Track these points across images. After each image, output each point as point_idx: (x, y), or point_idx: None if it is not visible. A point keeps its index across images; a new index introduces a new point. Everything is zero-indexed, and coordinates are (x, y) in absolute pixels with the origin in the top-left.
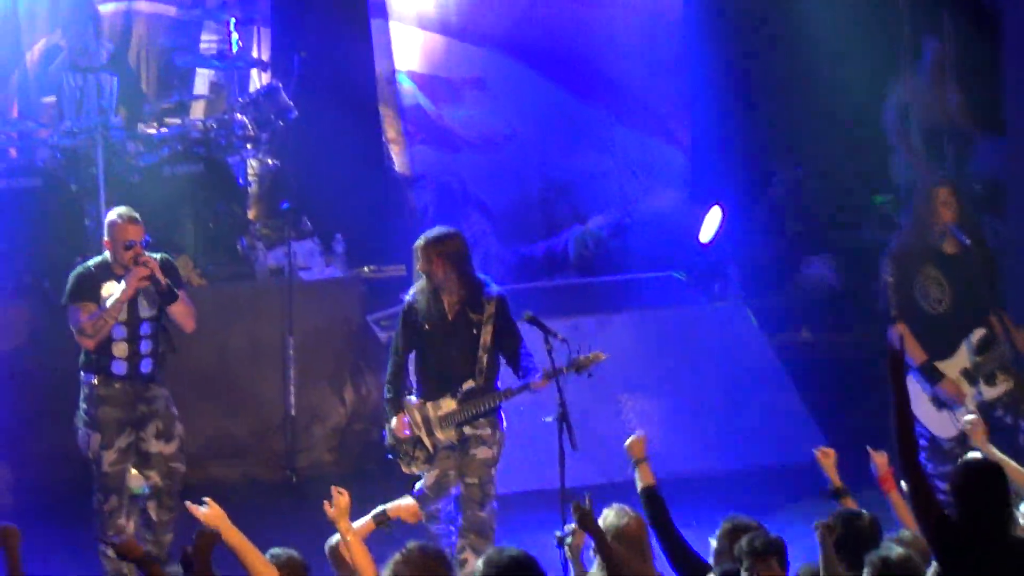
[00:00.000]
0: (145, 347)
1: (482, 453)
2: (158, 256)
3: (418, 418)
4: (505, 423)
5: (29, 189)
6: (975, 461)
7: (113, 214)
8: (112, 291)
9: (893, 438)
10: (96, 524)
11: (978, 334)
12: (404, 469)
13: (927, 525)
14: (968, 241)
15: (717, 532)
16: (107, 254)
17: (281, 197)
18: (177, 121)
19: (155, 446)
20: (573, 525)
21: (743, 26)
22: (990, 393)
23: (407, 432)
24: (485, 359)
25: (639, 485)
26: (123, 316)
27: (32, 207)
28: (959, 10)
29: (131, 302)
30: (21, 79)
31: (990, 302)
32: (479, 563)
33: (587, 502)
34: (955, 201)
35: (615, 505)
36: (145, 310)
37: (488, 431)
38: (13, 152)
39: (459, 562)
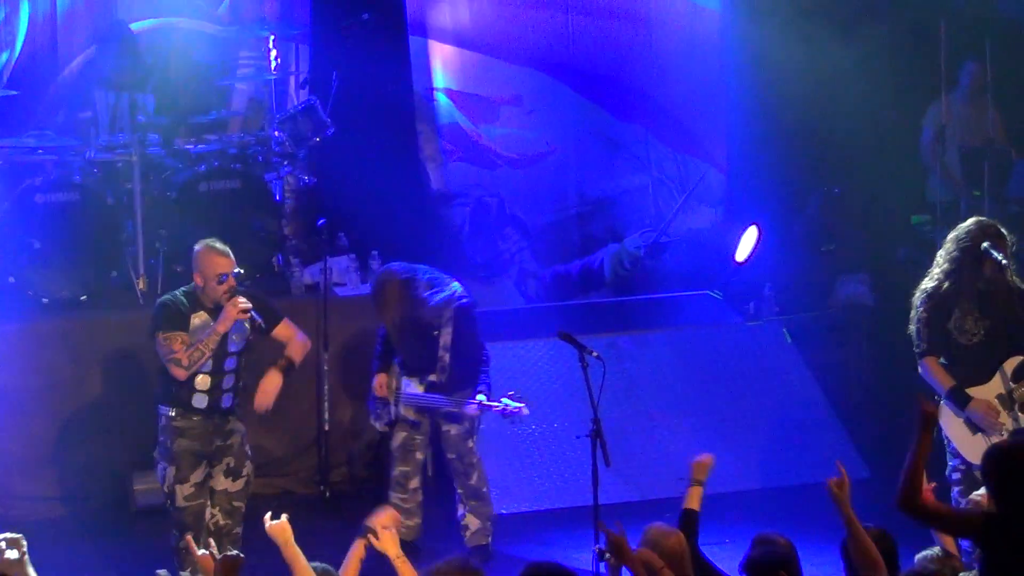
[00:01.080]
0: (228, 382)
1: (454, 429)
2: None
3: (392, 384)
4: (476, 403)
5: (67, 204)
6: (1002, 445)
7: (202, 245)
8: (200, 319)
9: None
10: (174, 563)
11: (1014, 362)
12: (372, 422)
13: (975, 533)
14: (1010, 272)
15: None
16: (193, 285)
17: (318, 214)
18: (214, 137)
19: (222, 483)
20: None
21: (780, 48)
22: None
23: (381, 392)
24: (447, 358)
25: (686, 504)
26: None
27: (69, 222)
28: (999, 34)
29: (221, 337)
30: (58, 94)
31: None
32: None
33: (619, 528)
34: (1001, 234)
35: (658, 523)
36: (233, 345)
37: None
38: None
39: (463, 527)
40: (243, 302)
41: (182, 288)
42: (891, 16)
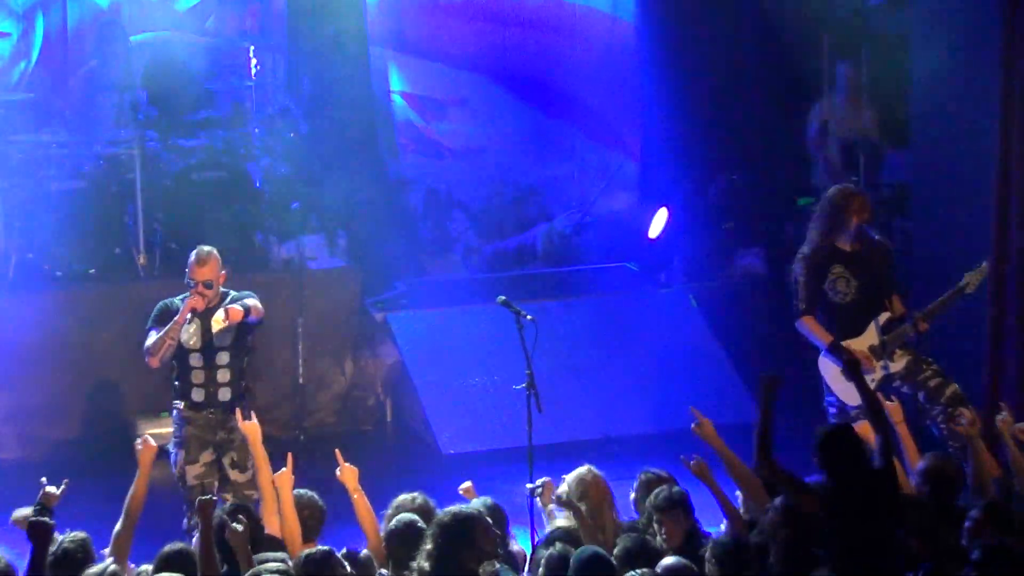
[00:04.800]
0: (223, 377)
1: None
2: (234, 294)
3: None
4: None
5: (76, 190)
6: (828, 429)
7: (192, 254)
8: (188, 322)
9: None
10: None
11: (884, 317)
12: None
13: (813, 501)
14: (876, 238)
15: (635, 484)
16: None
17: (292, 198)
18: (204, 133)
19: (232, 474)
20: (542, 479)
21: (687, 52)
22: (893, 367)
23: None
24: None
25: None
26: (197, 344)
27: (78, 206)
28: (873, 44)
29: (204, 332)
30: (70, 97)
31: (891, 290)
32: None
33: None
34: (868, 205)
35: (582, 467)
36: (219, 340)
37: None
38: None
39: None
40: (197, 299)
41: (185, 294)
42: (781, 27)
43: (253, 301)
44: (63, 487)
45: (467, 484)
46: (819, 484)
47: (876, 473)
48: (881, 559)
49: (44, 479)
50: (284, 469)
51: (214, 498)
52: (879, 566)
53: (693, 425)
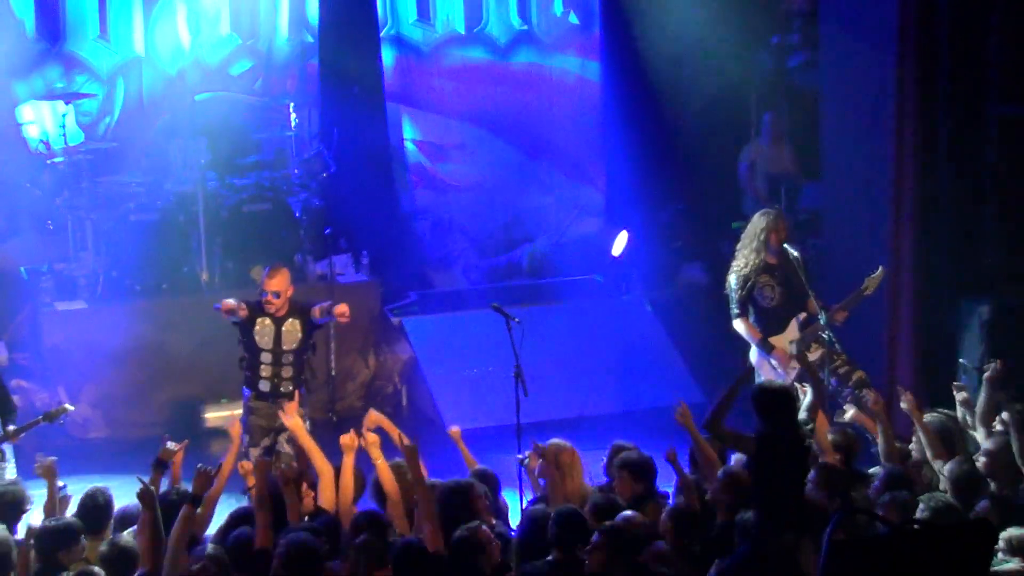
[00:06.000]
0: (286, 372)
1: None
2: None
3: None
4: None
5: (151, 221)
6: (763, 384)
7: (267, 268)
8: (262, 327)
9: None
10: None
11: (802, 316)
12: None
13: (751, 451)
14: (795, 253)
15: (607, 452)
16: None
17: (325, 225)
18: (253, 174)
19: (285, 447)
20: (529, 451)
21: (641, 106)
22: (811, 357)
23: None
24: None
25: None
26: (268, 345)
27: (153, 233)
28: (792, 94)
29: (276, 337)
30: (146, 146)
31: (807, 294)
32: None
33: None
34: (786, 227)
35: (555, 439)
36: (287, 344)
37: None
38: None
39: None
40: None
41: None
42: (718, 84)
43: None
44: (182, 445)
45: (455, 428)
46: (754, 434)
47: (798, 424)
48: (795, 501)
49: (167, 435)
50: (349, 435)
51: (268, 459)
52: (792, 508)
53: (676, 410)
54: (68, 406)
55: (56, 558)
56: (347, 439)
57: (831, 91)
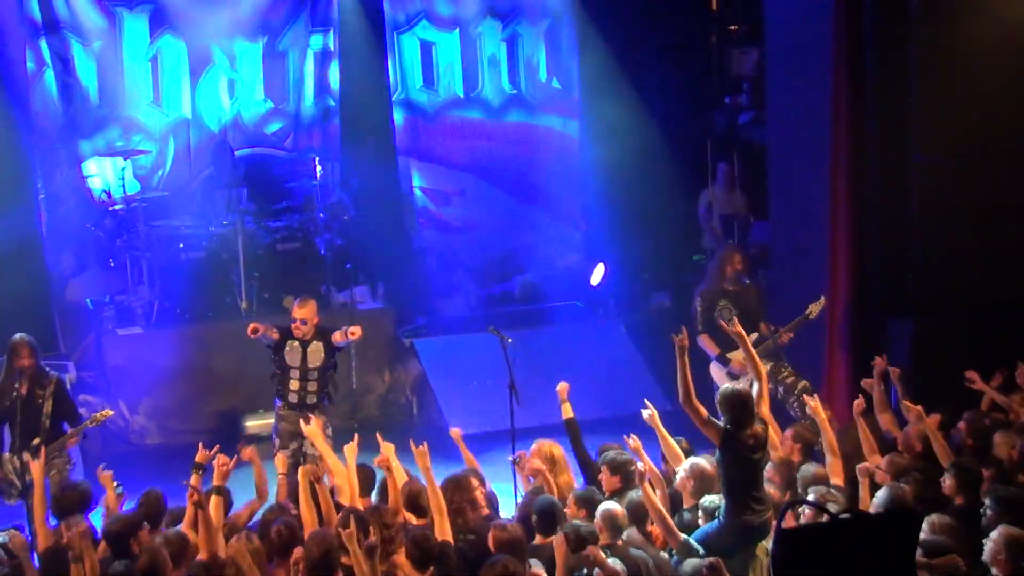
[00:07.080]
0: (311, 387)
1: None
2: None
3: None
4: None
5: (198, 258)
6: (727, 388)
7: (298, 299)
8: (292, 348)
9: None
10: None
11: (754, 336)
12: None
13: (717, 437)
14: (747, 281)
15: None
16: None
17: (346, 261)
18: (285, 217)
19: (311, 450)
20: (520, 452)
21: (613, 156)
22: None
23: None
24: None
25: (564, 416)
26: (296, 363)
27: (200, 268)
28: (742, 145)
29: (303, 357)
30: (193, 194)
31: (760, 317)
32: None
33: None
34: (742, 259)
35: (545, 440)
36: (312, 363)
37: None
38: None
39: None
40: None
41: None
42: (677, 137)
43: (357, 331)
44: (214, 451)
45: (456, 430)
46: (722, 424)
47: (755, 421)
48: (754, 487)
49: (201, 443)
50: (352, 443)
51: (309, 467)
52: (754, 493)
53: (644, 413)
54: (109, 411)
55: (127, 544)
56: (381, 460)
57: (776, 144)
